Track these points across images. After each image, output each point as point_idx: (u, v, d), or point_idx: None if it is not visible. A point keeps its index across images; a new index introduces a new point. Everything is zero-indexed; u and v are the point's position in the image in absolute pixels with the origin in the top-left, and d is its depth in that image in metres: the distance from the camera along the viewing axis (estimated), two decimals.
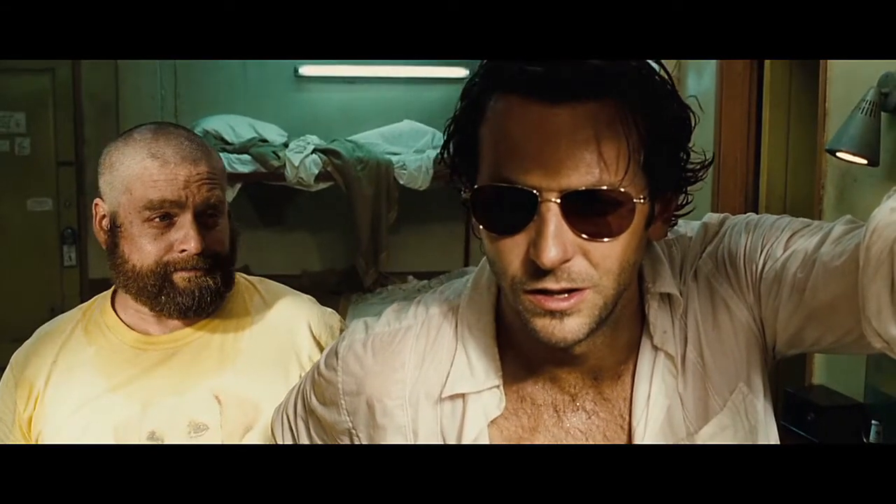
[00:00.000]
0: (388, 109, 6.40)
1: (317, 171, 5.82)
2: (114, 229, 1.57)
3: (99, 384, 1.60)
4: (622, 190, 0.99)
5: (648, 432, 1.12)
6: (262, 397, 1.60)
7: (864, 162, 2.97)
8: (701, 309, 1.15)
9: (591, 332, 1.04)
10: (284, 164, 5.77)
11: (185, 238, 1.53)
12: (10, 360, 1.67)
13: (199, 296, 1.56)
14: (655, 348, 1.13)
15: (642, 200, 1.02)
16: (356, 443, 1.24)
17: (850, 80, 3.23)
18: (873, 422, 2.87)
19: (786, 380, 3.51)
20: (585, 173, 0.97)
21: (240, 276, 1.72)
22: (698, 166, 1.10)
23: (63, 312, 1.74)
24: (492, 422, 1.14)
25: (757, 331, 1.14)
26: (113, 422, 1.57)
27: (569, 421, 1.14)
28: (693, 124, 1.07)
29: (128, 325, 1.64)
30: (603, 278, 1.01)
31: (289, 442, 1.39)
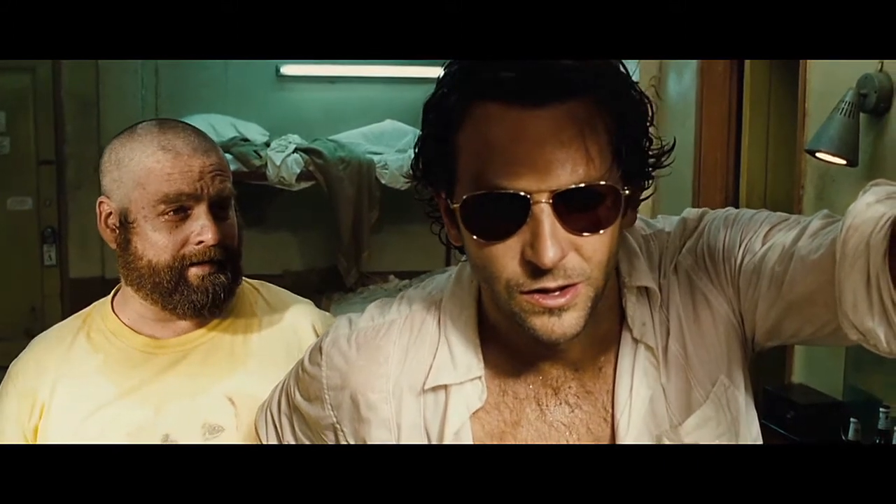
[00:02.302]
0: (370, 109, 6.40)
1: (298, 171, 5.81)
2: (124, 226, 1.55)
3: (110, 390, 1.58)
4: (608, 184, 1.02)
5: (632, 424, 1.13)
6: None
7: (843, 162, 2.99)
8: (682, 303, 1.16)
9: (585, 326, 1.06)
10: (266, 164, 5.76)
11: (202, 230, 1.51)
12: (8, 372, 1.65)
13: (213, 293, 1.54)
14: (636, 341, 1.15)
15: (627, 191, 1.05)
16: (341, 437, 1.25)
17: (829, 82, 3.25)
18: (851, 420, 2.89)
19: (765, 378, 3.53)
20: (572, 172, 1.00)
21: (242, 280, 1.71)
22: (658, 152, 1.12)
23: (43, 312, 1.73)
24: (474, 415, 1.16)
25: (736, 324, 1.15)
26: (126, 427, 1.55)
27: (552, 414, 1.16)
28: (651, 112, 1.10)
29: (133, 330, 1.62)
30: (594, 271, 1.04)
31: (273, 440, 1.40)
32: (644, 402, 1.14)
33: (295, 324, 1.69)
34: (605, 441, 1.16)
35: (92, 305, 1.70)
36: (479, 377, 1.16)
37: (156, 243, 1.52)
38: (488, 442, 1.15)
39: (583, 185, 1.00)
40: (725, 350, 1.16)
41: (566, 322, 1.05)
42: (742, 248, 1.12)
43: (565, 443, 1.16)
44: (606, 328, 1.16)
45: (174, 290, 1.54)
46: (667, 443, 1.14)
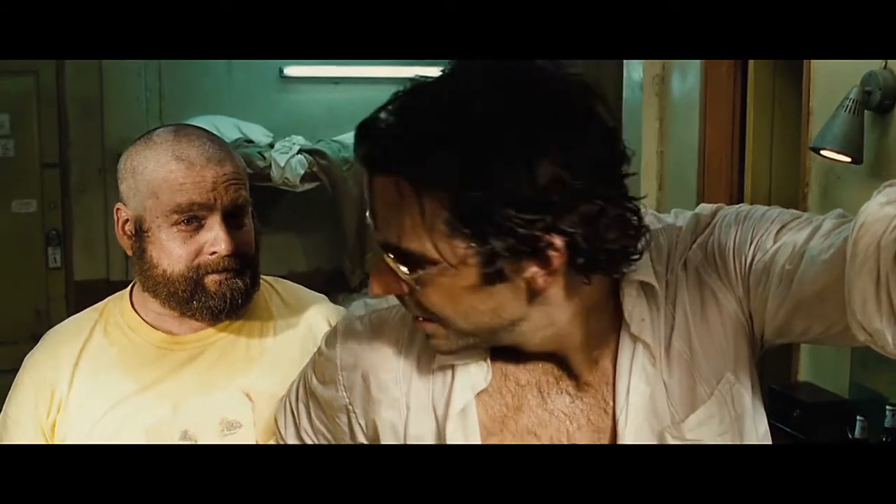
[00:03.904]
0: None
1: (302, 172, 5.81)
2: (140, 234, 1.56)
3: (127, 386, 1.59)
4: (414, 250, 1.05)
5: (630, 420, 1.15)
6: None
7: (848, 160, 2.98)
8: (690, 299, 1.17)
9: (474, 345, 1.15)
10: (270, 165, 5.76)
11: (216, 240, 1.52)
12: (24, 364, 1.65)
13: (231, 298, 1.55)
14: (634, 337, 1.16)
15: (453, 265, 1.05)
16: (353, 419, 1.28)
17: (833, 79, 3.24)
18: (858, 418, 2.89)
19: (771, 376, 3.53)
20: (389, 232, 1.07)
21: None
22: (532, 223, 1.02)
23: (49, 314, 1.73)
24: (478, 398, 1.18)
25: (745, 321, 1.16)
26: (144, 423, 1.56)
27: (553, 403, 1.18)
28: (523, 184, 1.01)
29: (151, 326, 1.63)
30: (443, 317, 1.11)
31: (290, 428, 1.42)
32: (643, 398, 1.15)
33: (310, 319, 1.70)
34: (606, 432, 1.17)
35: (108, 299, 1.71)
36: (485, 359, 1.18)
37: (170, 253, 1.53)
38: (490, 425, 1.18)
39: (395, 245, 1.07)
40: (733, 347, 1.16)
41: (436, 343, 1.15)
42: (753, 246, 1.12)
43: (566, 431, 1.18)
44: (605, 323, 1.17)
45: (191, 298, 1.55)
46: (669, 438, 1.15)
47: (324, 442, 1.38)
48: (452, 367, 1.19)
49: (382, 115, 1.07)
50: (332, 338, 1.32)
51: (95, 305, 1.71)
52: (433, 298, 1.09)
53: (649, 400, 1.15)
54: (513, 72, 1.04)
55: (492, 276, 1.05)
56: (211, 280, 1.54)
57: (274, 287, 1.74)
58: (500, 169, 0.99)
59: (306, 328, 1.69)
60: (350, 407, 1.28)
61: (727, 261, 1.14)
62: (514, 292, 1.08)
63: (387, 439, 1.24)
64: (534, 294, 1.08)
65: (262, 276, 1.72)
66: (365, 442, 1.29)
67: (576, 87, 1.05)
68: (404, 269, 1.08)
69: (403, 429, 1.23)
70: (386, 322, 1.26)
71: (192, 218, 1.52)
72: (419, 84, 1.08)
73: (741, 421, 1.18)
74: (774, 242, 1.10)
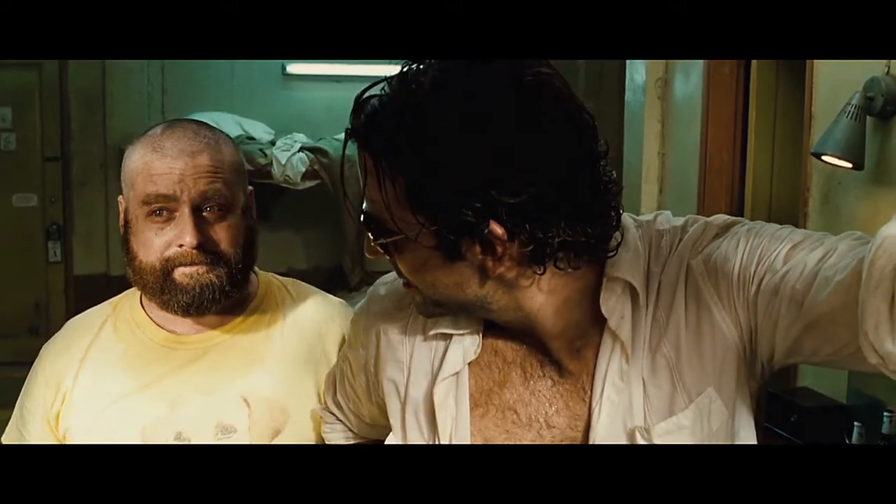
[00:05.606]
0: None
1: (303, 170, 5.82)
2: (126, 225, 1.57)
3: (128, 383, 1.59)
4: (378, 218, 1.13)
5: (605, 412, 1.17)
6: (290, 400, 1.60)
7: (850, 165, 2.98)
8: (686, 307, 1.17)
9: (460, 315, 1.22)
10: (271, 162, 5.77)
11: (182, 233, 1.51)
12: (40, 353, 1.67)
13: (200, 293, 1.53)
14: (613, 333, 1.17)
15: (411, 238, 1.10)
16: (370, 377, 1.38)
17: (836, 84, 3.24)
18: (855, 423, 2.89)
19: (771, 381, 3.51)
20: (365, 199, 1.15)
21: (272, 277, 1.71)
22: (471, 211, 1.07)
23: (48, 308, 1.73)
24: (470, 370, 1.24)
25: (738, 341, 1.15)
26: (141, 422, 1.56)
27: (535, 383, 1.22)
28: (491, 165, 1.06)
29: (157, 324, 1.63)
30: (415, 284, 1.18)
31: (329, 392, 1.54)
32: (618, 394, 1.17)
33: (320, 325, 1.68)
34: (582, 420, 1.20)
35: (124, 293, 1.71)
36: (479, 332, 1.24)
37: (144, 243, 1.54)
38: (477, 396, 1.24)
39: (365, 211, 1.16)
40: (719, 364, 1.16)
41: (416, 307, 1.24)
42: (761, 266, 1.11)
43: (544, 412, 1.21)
44: (586, 316, 1.18)
45: (162, 291, 1.54)
46: (638, 438, 1.16)
47: (351, 410, 1.49)
48: (451, 336, 1.25)
49: (375, 91, 1.12)
50: (361, 302, 1.41)
51: (111, 299, 1.71)
52: (404, 266, 1.17)
53: (624, 397, 1.17)
54: (483, 73, 1.07)
55: (448, 254, 1.11)
56: (180, 273, 1.53)
57: (288, 289, 1.72)
58: (446, 161, 1.05)
59: (315, 335, 1.66)
60: (366, 363, 1.37)
61: (730, 280, 1.14)
62: (472, 272, 1.13)
63: (391, 401, 1.31)
64: (485, 276, 1.13)
65: (277, 277, 1.72)
66: (372, 404, 1.41)
67: (545, 91, 1.07)
68: (370, 234, 1.16)
69: (405, 390, 1.29)
70: (401, 288, 1.28)
71: (161, 209, 1.51)
72: (411, 71, 1.11)
73: (716, 439, 1.18)
74: (785, 263, 1.09)
